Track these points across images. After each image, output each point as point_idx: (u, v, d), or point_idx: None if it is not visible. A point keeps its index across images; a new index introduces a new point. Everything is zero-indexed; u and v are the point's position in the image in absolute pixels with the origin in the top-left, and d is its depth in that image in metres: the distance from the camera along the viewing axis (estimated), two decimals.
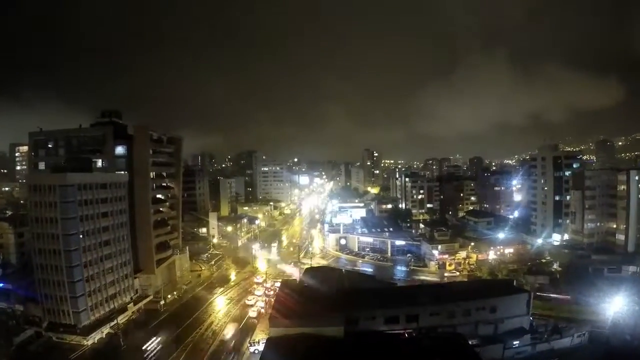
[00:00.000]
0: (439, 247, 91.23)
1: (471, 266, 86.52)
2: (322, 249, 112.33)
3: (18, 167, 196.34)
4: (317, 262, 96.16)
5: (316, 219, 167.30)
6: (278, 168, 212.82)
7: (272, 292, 68.75)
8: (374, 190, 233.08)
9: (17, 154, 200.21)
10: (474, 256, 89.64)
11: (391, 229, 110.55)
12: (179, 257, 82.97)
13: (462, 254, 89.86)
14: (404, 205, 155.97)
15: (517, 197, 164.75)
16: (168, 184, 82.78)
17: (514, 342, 43.04)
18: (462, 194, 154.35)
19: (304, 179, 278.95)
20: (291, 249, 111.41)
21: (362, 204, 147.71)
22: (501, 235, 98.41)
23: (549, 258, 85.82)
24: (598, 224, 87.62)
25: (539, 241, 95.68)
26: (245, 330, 57.25)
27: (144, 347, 51.86)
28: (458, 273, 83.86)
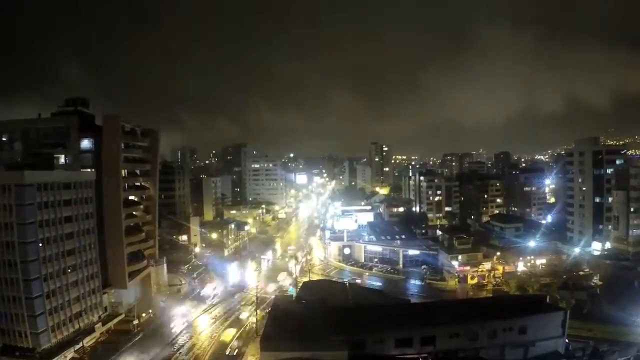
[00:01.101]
0: (459, 257, 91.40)
1: (497, 279, 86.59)
2: (323, 259, 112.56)
3: None
4: (317, 274, 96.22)
5: (315, 225, 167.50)
6: (271, 165, 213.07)
7: (263, 310, 68.91)
8: (383, 191, 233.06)
9: None
10: (500, 268, 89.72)
11: (403, 236, 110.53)
12: (155, 269, 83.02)
13: (487, 265, 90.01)
14: (418, 209, 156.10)
15: (551, 199, 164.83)
16: (142, 184, 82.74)
17: None
18: (486, 195, 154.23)
19: (301, 178, 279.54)
20: (286, 259, 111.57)
21: (369, 207, 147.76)
22: (532, 243, 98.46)
23: (587, 270, 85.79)
24: None
25: (576, 250, 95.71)
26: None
27: None
28: (481, 287, 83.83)
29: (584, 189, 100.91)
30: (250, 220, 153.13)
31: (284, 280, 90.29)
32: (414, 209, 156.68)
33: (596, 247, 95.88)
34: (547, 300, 53.87)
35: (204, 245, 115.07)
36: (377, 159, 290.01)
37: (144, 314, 70.82)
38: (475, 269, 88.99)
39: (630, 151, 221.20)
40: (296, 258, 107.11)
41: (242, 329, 66.47)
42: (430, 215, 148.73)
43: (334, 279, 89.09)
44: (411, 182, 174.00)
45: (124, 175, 74.73)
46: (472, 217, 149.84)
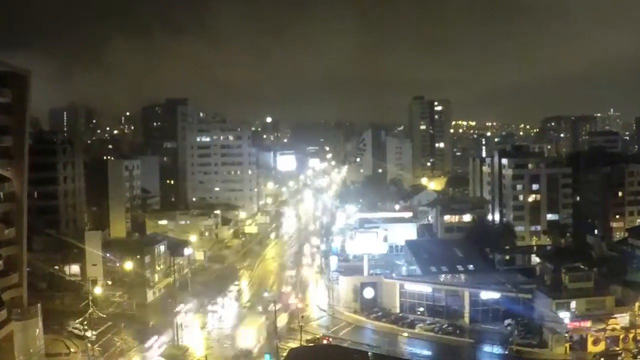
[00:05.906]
0: (573, 304, 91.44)
1: None
2: (326, 308, 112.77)
3: None
4: (314, 334, 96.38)
5: (313, 246, 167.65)
6: (232, 137, 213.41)
7: None
8: (434, 185, 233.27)
9: None
10: None
11: (471, 267, 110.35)
12: (21, 325, 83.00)
13: (622, 318, 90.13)
14: (498, 217, 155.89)
15: None
16: None
17: None
18: (621, 193, 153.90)
19: (286, 161, 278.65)
20: (260, 308, 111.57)
21: (408, 214, 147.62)
22: None
23: None
24: None
25: None
26: None
27: None
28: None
29: None
30: (194, 238, 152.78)
31: (255, 346, 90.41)
32: (490, 217, 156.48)
33: None
34: None
35: (110, 282, 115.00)
36: (423, 127, 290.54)
37: None
38: (602, 325, 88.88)
39: None
40: (277, 305, 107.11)
41: None
42: (520, 228, 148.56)
43: (344, 345, 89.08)
44: (485, 169, 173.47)
45: None
46: (596, 231, 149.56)
